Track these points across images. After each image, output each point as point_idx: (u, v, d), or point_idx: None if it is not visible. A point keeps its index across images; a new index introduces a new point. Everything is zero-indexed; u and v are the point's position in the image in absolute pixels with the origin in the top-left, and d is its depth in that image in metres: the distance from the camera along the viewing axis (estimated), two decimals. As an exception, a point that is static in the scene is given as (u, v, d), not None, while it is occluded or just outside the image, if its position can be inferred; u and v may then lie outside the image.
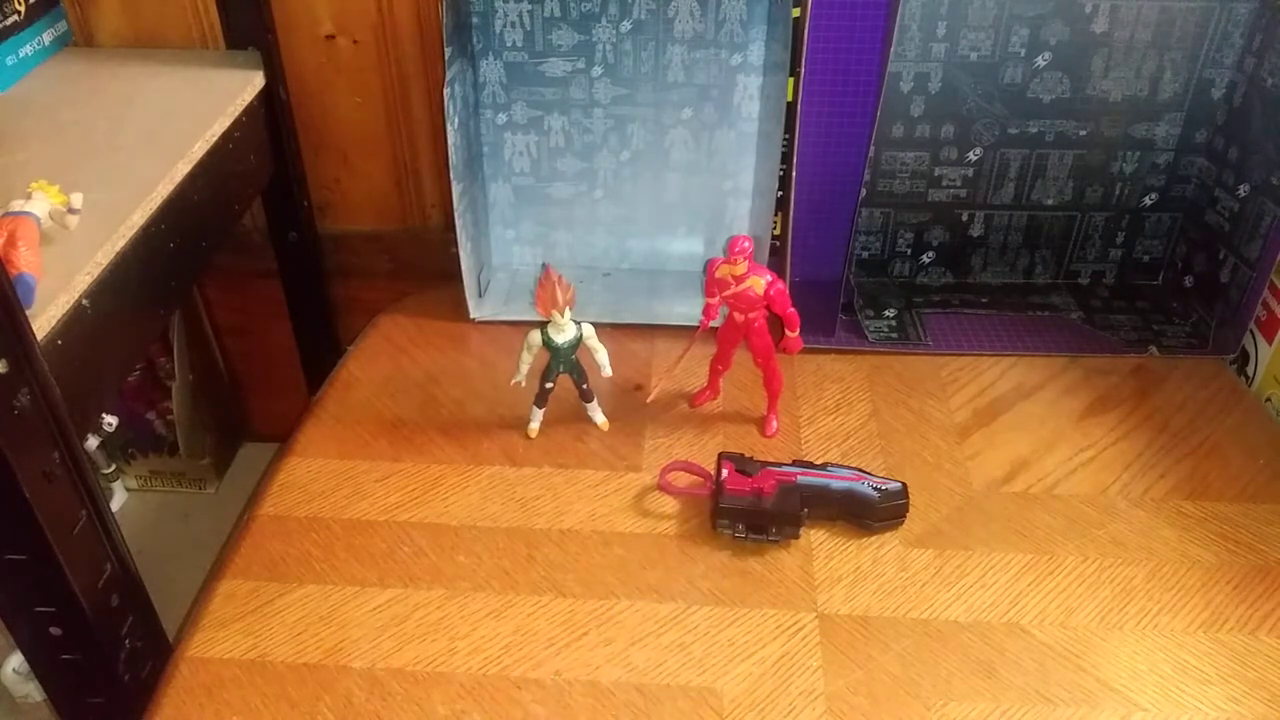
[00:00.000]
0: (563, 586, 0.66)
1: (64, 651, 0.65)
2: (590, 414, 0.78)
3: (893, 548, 0.68)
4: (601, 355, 0.75)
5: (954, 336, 0.89)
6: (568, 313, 0.71)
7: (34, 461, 0.58)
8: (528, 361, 0.75)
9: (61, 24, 0.93)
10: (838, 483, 0.69)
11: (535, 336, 0.73)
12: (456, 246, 0.86)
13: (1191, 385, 0.83)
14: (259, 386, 1.23)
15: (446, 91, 0.79)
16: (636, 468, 0.75)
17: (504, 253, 0.98)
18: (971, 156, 0.90)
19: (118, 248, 0.68)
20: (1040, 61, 0.86)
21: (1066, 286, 0.97)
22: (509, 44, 0.87)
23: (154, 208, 0.72)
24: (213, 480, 1.19)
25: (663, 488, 0.73)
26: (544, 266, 0.78)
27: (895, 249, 0.96)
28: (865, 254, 0.96)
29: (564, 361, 0.74)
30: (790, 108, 0.81)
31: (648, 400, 0.80)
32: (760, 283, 0.71)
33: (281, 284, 1.08)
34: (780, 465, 0.70)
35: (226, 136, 0.84)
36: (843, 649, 0.62)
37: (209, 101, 0.85)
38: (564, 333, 0.73)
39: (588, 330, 0.74)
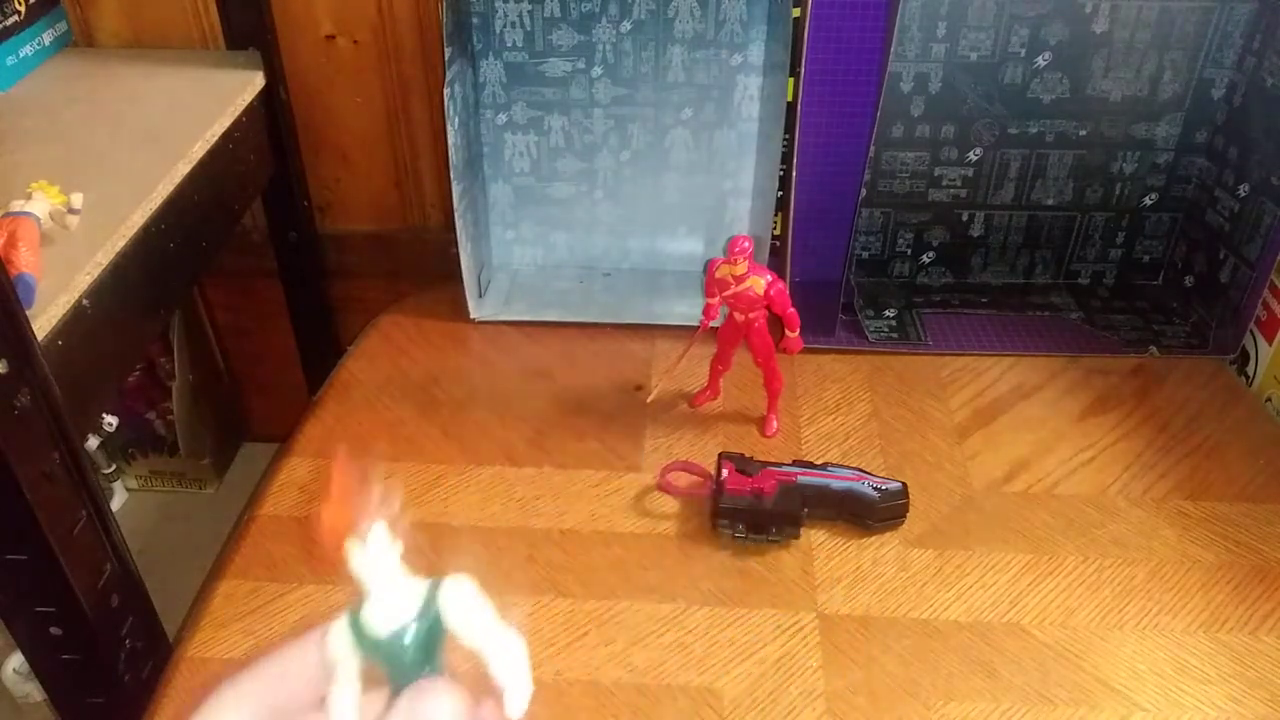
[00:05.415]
0: (563, 586, 0.66)
1: (64, 651, 0.65)
2: None
3: (893, 548, 0.68)
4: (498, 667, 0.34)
5: (954, 336, 0.89)
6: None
7: (34, 461, 0.58)
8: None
9: (61, 24, 0.93)
10: (838, 483, 0.69)
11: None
12: (456, 246, 0.86)
13: (1191, 385, 0.83)
14: (259, 386, 1.23)
15: (447, 92, 0.79)
16: (636, 468, 0.75)
17: (504, 253, 0.98)
18: (971, 156, 0.90)
19: (118, 248, 0.68)
20: (1040, 61, 0.86)
21: (1066, 286, 0.97)
22: (509, 44, 0.87)
23: (154, 208, 0.72)
24: (213, 480, 1.19)
25: (663, 488, 0.73)
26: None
27: (895, 249, 0.96)
28: (865, 254, 0.96)
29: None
30: (790, 108, 0.81)
31: (648, 400, 0.80)
32: (760, 283, 0.71)
33: (281, 284, 1.08)
34: (780, 465, 0.70)
35: (226, 136, 0.84)
36: (843, 649, 0.62)
37: (209, 101, 0.85)
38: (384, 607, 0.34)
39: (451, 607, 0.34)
